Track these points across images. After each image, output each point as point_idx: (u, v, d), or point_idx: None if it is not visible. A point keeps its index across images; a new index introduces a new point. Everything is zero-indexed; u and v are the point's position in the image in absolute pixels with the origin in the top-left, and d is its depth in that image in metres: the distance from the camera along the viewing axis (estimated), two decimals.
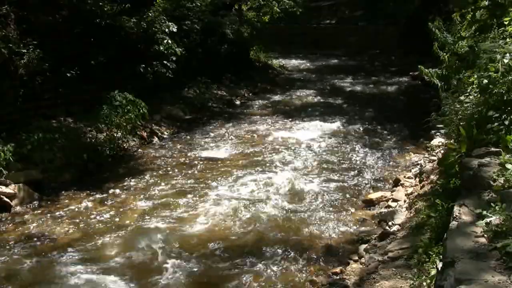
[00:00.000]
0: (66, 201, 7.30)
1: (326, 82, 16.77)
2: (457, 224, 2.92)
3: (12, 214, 6.84)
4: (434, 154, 8.05)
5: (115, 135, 9.08)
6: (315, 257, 5.63)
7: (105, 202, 7.22)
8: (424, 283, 3.93)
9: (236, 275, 5.30)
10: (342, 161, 8.76)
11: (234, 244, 5.95)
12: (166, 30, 10.79)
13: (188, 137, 10.50)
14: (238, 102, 13.86)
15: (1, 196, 6.86)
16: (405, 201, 6.67)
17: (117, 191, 7.61)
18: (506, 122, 4.07)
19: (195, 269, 5.43)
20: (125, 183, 7.88)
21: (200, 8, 13.91)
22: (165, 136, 10.49)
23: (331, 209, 6.83)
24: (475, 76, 5.52)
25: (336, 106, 13.38)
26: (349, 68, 19.09)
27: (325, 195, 7.27)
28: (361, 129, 10.87)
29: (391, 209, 6.49)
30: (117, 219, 6.66)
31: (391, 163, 8.67)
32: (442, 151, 6.64)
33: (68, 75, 9.14)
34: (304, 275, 5.28)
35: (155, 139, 10.23)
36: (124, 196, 7.45)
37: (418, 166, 7.91)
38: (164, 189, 7.65)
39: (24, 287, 5.18)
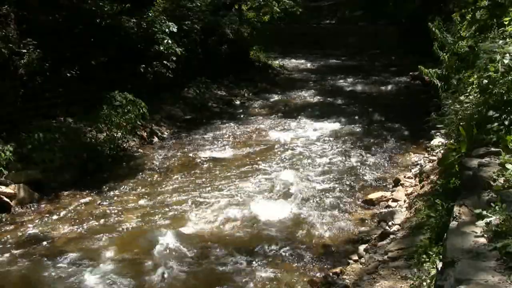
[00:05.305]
0: (66, 201, 7.30)
1: (326, 82, 16.74)
2: (457, 224, 2.92)
3: (12, 214, 6.85)
4: (434, 154, 8.06)
5: (115, 135, 9.07)
6: (315, 257, 5.64)
7: (105, 202, 7.23)
8: (424, 283, 3.93)
9: (235, 274, 5.31)
10: (342, 161, 8.75)
11: (233, 244, 5.95)
12: (166, 30, 10.78)
13: (188, 137, 10.50)
14: (238, 102, 13.85)
15: (1, 196, 6.86)
16: (405, 201, 6.67)
17: (117, 191, 7.62)
18: (506, 122, 4.06)
19: (195, 269, 5.44)
20: (125, 183, 7.89)
21: (200, 8, 13.90)
22: (165, 136, 10.49)
23: (331, 209, 6.83)
24: (475, 76, 5.52)
25: (336, 106, 13.37)
26: (349, 68, 19.05)
27: (325, 195, 7.27)
28: (361, 129, 10.86)
29: (391, 209, 6.49)
30: (117, 219, 6.66)
31: (391, 163, 8.66)
32: (442, 151, 6.63)
33: (68, 75, 9.13)
34: (304, 275, 5.29)
35: (155, 139, 10.23)
36: (124, 196, 7.46)
37: (418, 166, 7.92)
38: (164, 189, 7.66)
39: (24, 287, 5.19)
